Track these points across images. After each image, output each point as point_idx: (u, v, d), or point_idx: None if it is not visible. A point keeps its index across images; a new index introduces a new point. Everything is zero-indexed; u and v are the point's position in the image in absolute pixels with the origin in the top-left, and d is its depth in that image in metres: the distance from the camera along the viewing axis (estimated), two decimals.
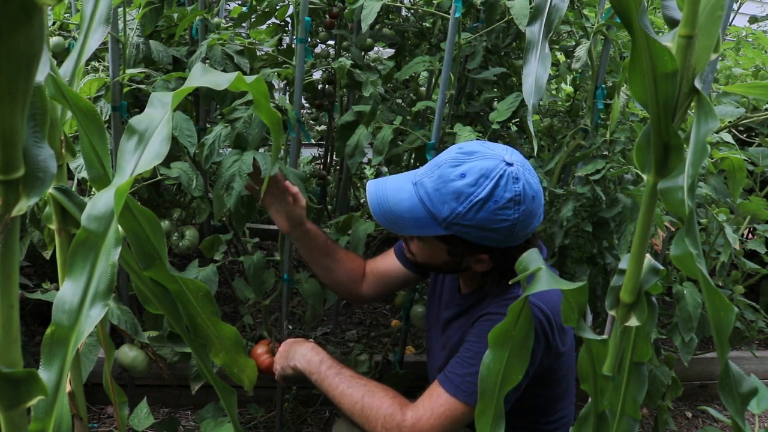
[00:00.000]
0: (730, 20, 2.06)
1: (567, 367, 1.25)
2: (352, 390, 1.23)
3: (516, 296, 1.14)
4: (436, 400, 1.16)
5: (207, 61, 1.57)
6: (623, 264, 0.77)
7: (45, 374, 0.59)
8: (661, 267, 0.76)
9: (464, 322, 1.28)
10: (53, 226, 0.88)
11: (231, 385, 1.05)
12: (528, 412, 1.27)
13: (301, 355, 1.34)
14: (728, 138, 1.64)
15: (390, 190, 1.18)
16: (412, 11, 1.96)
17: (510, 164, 1.12)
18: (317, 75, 1.88)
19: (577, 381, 0.86)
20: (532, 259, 0.76)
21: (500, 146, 1.16)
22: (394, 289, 1.57)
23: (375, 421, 1.19)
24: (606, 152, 1.60)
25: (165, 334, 1.58)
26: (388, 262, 1.50)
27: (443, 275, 1.42)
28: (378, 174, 3.05)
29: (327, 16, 2.07)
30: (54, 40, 1.66)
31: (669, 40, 0.66)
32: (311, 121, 2.99)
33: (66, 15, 1.77)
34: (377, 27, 1.99)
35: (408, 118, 1.80)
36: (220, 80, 0.86)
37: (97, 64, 1.57)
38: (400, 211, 1.15)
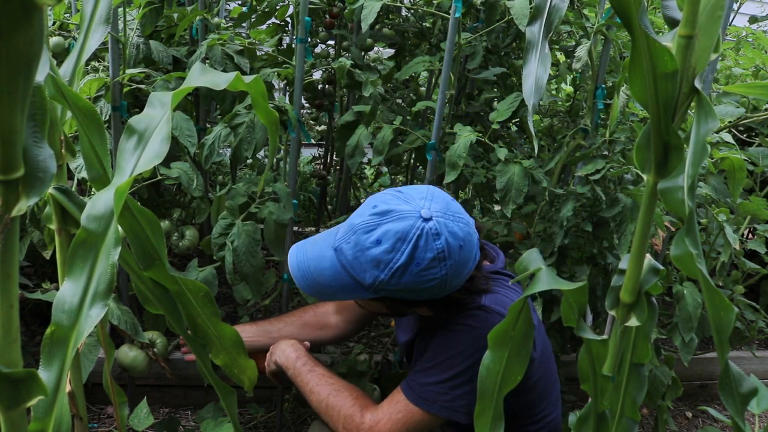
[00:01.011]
0: (730, 20, 2.06)
1: (541, 372, 1.24)
2: (320, 388, 1.26)
3: (478, 306, 1.15)
4: (395, 406, 1.18)
5: (207, 61, 1.57)
6: (623, 264, 0.77)
7: (45, 374, 0.59)
8: (661, 267, 0.76)
9: (425, 336, 1.28)
10: (53, 226, 0.88)
11: (231, 386, 1.05)
12: (506, 419, 1.27)
13: (281, 350, 1.37)
14: (728, 138, 1.64)
15: (312, 259, 1.14)
16: (412, 11, 1.96)
17: (427, 219, 1.05)
18: (317, 75, 1.88)
19: (577, 381, 0.86)
20: (532, 259, 0.76)
21: (418, 194, 1.09)
22: (370, 318, 1.54)
23: (337, 420, 1.22)
24: (606, 152, 1.60)
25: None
26: None
27: None
28: (378, 174, 3.05)
29: (327, 16, 2.07)
30: (54, 40, 1.66)
31: (669, 40, 0.66)
32: (311, 121, 2.99)
33: (66, 15, 1.77)
34: (377, 27, 1.99)
35: (408, 118, 1.80)
36: (219, 80, 0.86)
37: (97, 64, 1.57)
38: (325, 280, 1.12)
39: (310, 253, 1.15)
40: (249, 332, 1.45)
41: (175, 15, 1.76)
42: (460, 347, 1.15)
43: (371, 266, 1.06)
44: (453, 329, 1.16)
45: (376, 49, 2.20)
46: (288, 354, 1.35)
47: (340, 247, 1.10)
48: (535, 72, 0.72)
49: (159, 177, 1.47)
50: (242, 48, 1.62)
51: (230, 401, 0.99)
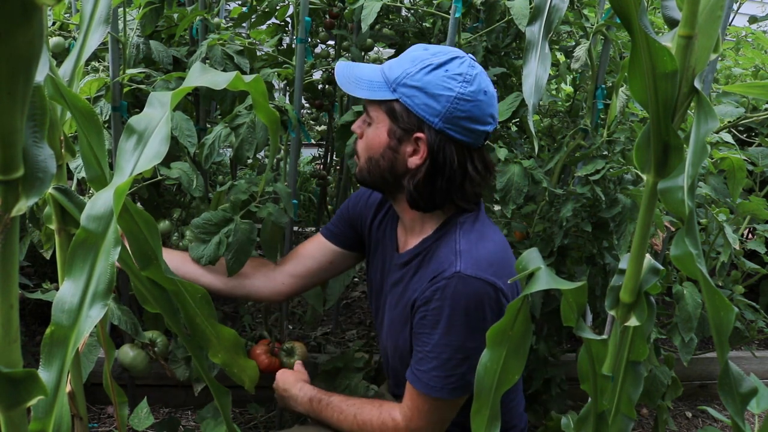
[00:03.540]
0: (730, 20, 2.06)
1: None
2: (344, 416, 1.27)
3: (444, 277, 1.12)
4: (417, 400, 1.18)
5: (207, 61, 1.57)
6: (623, 264, 0.77)
7: (45, 374, 0.59)
8: (661, 267, 0.76)
9: (407, 285, 1.24)
10: (53, 226, 0.88)
11: (231, 385, 1.05)
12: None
13: (293, 400, 1.39)
14: (728, 138, 1.64)
15: (361, 65, 1.23)
16: (412, 11, 1.96)
17: (474, 61, 1.16)
18: (317, 75, 1.88)
19: (577, 381, 0.86)
20: (532, 258, 0.76)
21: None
22: (320, 274, 1.47)
23: (369, 426, 1.24)
24: (606, 152, 1.60)
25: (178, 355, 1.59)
26: (315, 244, 1.45)
27: (378, 245, 1.37)
28: None
29: (327, 16, 2.07)
30: (54, 40, 1.66)
31: (669, 40, 0.66)
32: (311, 121, 2.99)
33: (66, 15, 1.77)
34: (377, 27, 1.99)
35: None
36: (218, 80, 0.86)
37: (97, 64, 1.57)
38: (360, 74, 1.20)
39: (364, 64, 1.25)
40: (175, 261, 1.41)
41: (175, 15, 1.76)
42: (446, 324, 1.12)
43: (408, 61, 1.15)
44: (425, 310, 1.14)
45: (376, 49, 2.20)
46: (299, 399, 1.37)
47: (390, 60, 1.21)
48: (535, 72, 0.72)
49: (159, 177, 1.47)
50: (242, 48, 1.62)
51: (224, 401, 0.99)
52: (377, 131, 1.20)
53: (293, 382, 1.41)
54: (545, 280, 0.72)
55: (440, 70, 1.12)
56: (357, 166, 1.26)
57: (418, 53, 1.16)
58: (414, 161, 1.17)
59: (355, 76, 1.20)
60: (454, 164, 1.15)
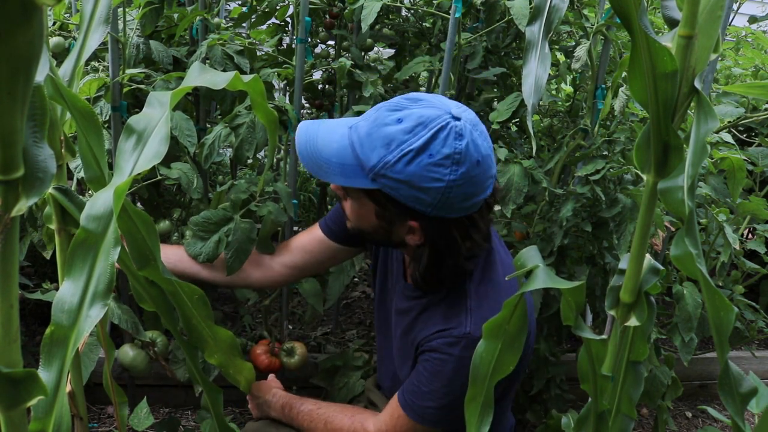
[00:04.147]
0: (730, 20, 2.06)
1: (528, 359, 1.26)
2: (315, 424, 1.27)
3: (453, 336, 1.09)
4: (399, 422, 1.16)
5: (207, 61, 1.57)
6: (623, 264, 0.77)
7: (45, 374, 0.59)
8: (661, 267, 0.76)
9: (415, 320, 1.21)
10: (53, 226, 0.88)
11: (231, 385, 1.05)
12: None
13: (267, 406, 1.38)
14: (728, 138, 1.64)
15: (323, 131, 1.06)
16: (412, 11, 1.96)
17: (457, 118, 0.98)
18: (317, 75, 1.88)
19: (577, 381, 0.86)
20: (530, 256, 0.76)
21: (454, 102, 1.03)
22: (316, 266, 1.44)
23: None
24: (606, 152, 1.60)
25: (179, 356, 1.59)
26: (313, 238, 1.40)
27: (387, 258, 1.34)
28: None
29: (327, 16, 2.07)
30: (54, 40, 1.66)
31: (669, 40, 0.66)
32: None
33: (66, 15, 1.77)
34: (377, 27, 1.99)
35: None
36: (217, 79, 0.86)
37: (97, 64, 1.57)
38: (327, 154, 1.03)
39: (324, 126, 1.07)
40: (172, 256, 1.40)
41: (175, 15, 1.76)
42: (450, 377, 1.10)
43: (382, 144, 0.98)
44: (440, 358, 1.11)
45: (376, 49, 2.19)
46: (272, 405, 1.37)
47: (356, 125, 1.03)
48: (534, 72, 0.72)
49: (159, 177, 1.47)
50: (242, 48, 1.62)
51: (215, 399, 0.99)
52: (362, 210, 1.08)
53: (266, 389, 1.40)
54: (543, 278, 0.72)
55: (423, 156, 0.96)
56: (347, 222, 1.17)
57: (393, 130, 0.98)
58: (412, 240, 1.08)
59: (323, 158, 1.04)
60: (457, 241, 1.05)
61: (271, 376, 1.50)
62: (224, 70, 1.44)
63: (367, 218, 1.09)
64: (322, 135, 1.06)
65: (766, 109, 1.84)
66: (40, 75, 0.47)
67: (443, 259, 1.08)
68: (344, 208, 1.14)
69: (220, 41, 1.58)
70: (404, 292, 1.24)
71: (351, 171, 1.01)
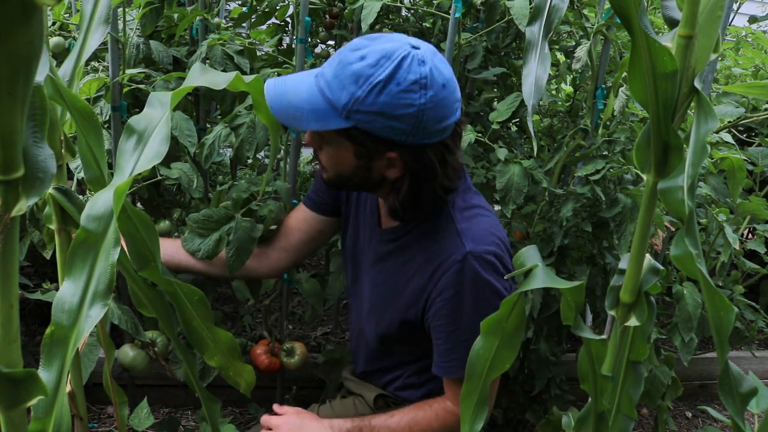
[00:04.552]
0: (730, 20, 2.06)
1: None
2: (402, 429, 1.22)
3: (456, 261, 1.11)
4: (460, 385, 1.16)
5: (207, 61, 1.57)
6: (623, 264, 0.77)
7: (45, 374, 0.59)
8: (661, 267, 0.76)
9: (397, 264, 1.23)
10: (53, 226, 0.88)
11: (230, 385, 1.05)
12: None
13: None
14: (728, 138, 1.64)
15: (290, 84, 1.08)
16: (412, 11, 1.96)
17: (416, 48, 1.02)
18: None
19: (577, 381, 0.86)
20: (530, 256, 0.76)
21: (411, 37, 1.07)
22: (310, 244, 1.45)
23: (430, 428, 1.22)
24: (606, 152, 1.60)
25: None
26: (299, 216, 1.43)
27: (358, 215, 1.34)
28: None
29: (327, 16, 2.07)
30: (54, 40, 1.66)
31: (669, 40, 0.66)
32: None
33: (66, 15, 1.77)
34: (377, 27, 1.99)
35: None
36: (218, 80, 0.87)
37: (97, 64, 1.57)
38: (298, 102, 1.05)
39: (290, 78, 1.10)
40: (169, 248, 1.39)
41: (175, 15, 1.76)
42: (470, 303, 1.12)
43: (350, 82, 1.01)
44: (445, 299, 1.13)
45: None
46: None
47: (321, 72, 1.06)
48: (534, 72, 0.72)
49: (159, 177, 1.47)
50: (242, 48, 1.62)
51: (212, 409, 0.99)
52: (340, 152, 1.10)
53: (318, 426, 1.22)
54: (542, 278, 0.72)
55: (391, 85, 1.00)
56: (324, 175, 1.18)
57: (357, 67, 1.01)
58: (392, 174, 1.11)
59: (293, 106, 1.06)
60: (435, 166, 1.09)
61: (312, 415, 1.28)
62: (224, 70, 1.44)
63: (345, 161, 1.11)
64: (290, 87, 1.08)
65: (766, 109, 1.84)
66: (40, 75, 0.47)
67: (422, 186, 1.10)
68: (321, 160, 1.16)
69: (220, 41, 1.58)
70: (382, 238, 1.26)
71: (324, 114, 1.04)
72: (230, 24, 2.08)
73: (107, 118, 1.49)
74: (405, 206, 1.13)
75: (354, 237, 1.35)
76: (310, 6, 1.52)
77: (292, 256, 1.45)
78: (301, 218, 1.42)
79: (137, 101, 1.60)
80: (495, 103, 1.89)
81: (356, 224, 1.35)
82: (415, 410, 1.24)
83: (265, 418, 1.25)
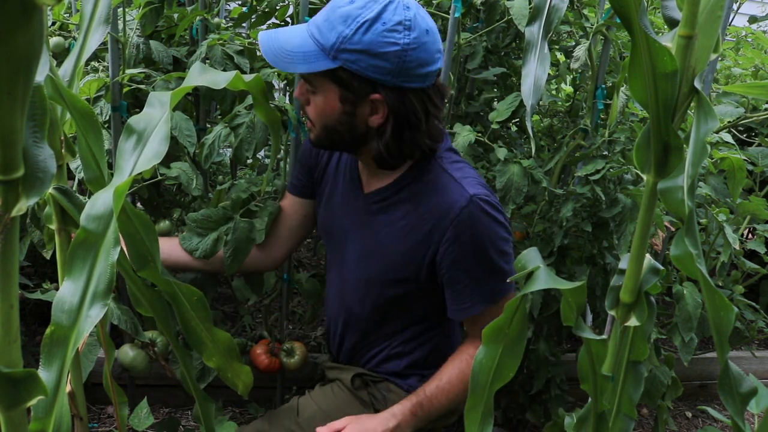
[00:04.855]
0: (730, 20, 2.06)
1: None
2: (454, 390, 1.24)
3: (461, 207, 1.15)
4: (486, 318, 1.14)
5: (207, 61, 1.57)
6: (623, 264, 0.77)
7: (45, 374, 0.59)
8: (661, 267, 0.76)
9: (387, 224, 1.26)
10: (53, 226, 0.88)
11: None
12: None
13: (399, 429, 1.22)
14: (728, 138, 1.64)
15: (283, 32, 1.16)
16: None
17: None
18: None
19: (577, 381, 0.86)
20: (531, 257, 0.76)
21: None
22: (300, 230, 1.48)
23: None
24: (606, 152, 1.60)
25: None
26: (286, 203, 1.45)
27: (333, 186, 1.36)
28: None
29: None
30: (54, 40, 1.66)
31: (669, 40, 0.66)
32: None
33: (66, 15, 1.77)
34: None
35: None
36: (218, 79, 0.87)
37: (97, 64, 1.57)
38: (290, 47, 1.12)
39: (284, 29, 1.18)
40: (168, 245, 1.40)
41: (175, 15, 1.76)
42: (486, 243, 1.17)
43: (339, 22, 1.07)
44: (464, 236, 1.17)
45: None
46: (402, 423, 1.22)
47: (313, 19, 1.14)
48: (534, 72, 0.72)
49: (159, 177, 1.47)
50: (242, 48, 1.62)
51: (207, 409, 0.99)
52: (327, 99, 1.14)
53: (380, 419, 1.22)
54: (544, 279, 0.72)
55: (377, 24, 1.06)
56: (312, 132, 1.22)
57: (347, 9, 1.08)
58: (375, 120, 1.14)
59: (285, 51, 1.12)
60: (418, 112, 1.13)
61: (366, 414, 1.27)
62: (224, 70, 1.44)
63: (331, 108, 1.15)
64: (283, 35, 1.15)
65: (766, 109, 1.84)
66: (40, 75, 0.47)
67: (404, 131, 1.15)
68: (309, 114, 1.20)
69: (220, 41, 1.58)
70: (367, 203, 1.29)
71: (313, 56, 1.10)
72: (230, 24, 2.07)
73: (107, 118, 1.49)
74: (389, 150, 1.16)
75: (330, 210, 1.37)
76: (310, 6, 1.52)
77: (287, 243, 1.47)
78: (287, 205, 1.45)
79: (137, 101, 1.60)
80: (495, 103, 1.89)
81: (332, 198, 1.37)
82: (454, 365, 1.26)
83: None
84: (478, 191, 1.17)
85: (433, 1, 1.70)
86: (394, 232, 1.25)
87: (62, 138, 0.85)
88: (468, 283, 1.20)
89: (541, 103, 2.01)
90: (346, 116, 1.15)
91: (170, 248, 1.39)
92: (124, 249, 0.87)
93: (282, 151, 1.68)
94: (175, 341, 0.96)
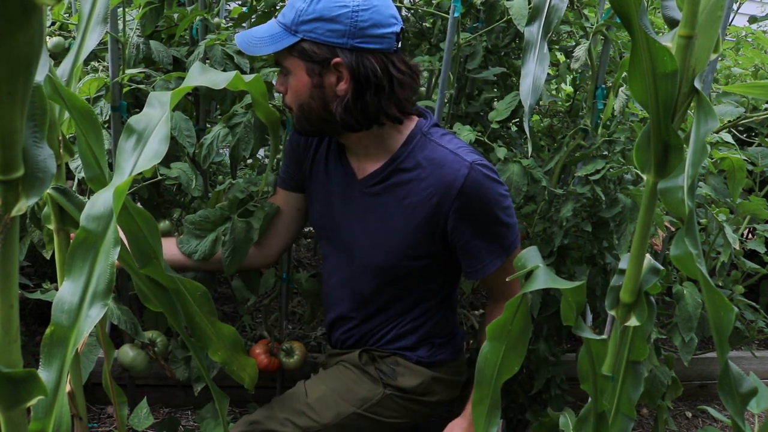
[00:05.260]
0: (730, 20, 2.05)
1: None
2: None
3: (463, 175, 1.21)
4: (508, 271, 1.26)
5: (207, 61, 1.57)
6: (623, 264, 0.77)
7: (45, 374, 0.59)
8: (661, 267, 0.76)
9: (389, 205, 1.30)
10: (52, 226, 0.88)
11: (230, 385, 1.05)
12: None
13: None
14: (728, 138, 1.64)
15: (255, 27, 1.26)
16: (412, 11, 1.96)
17: None
18: None
19: (577, 381, 0.86)
20: (531, 257, 0.76)
21: None
22: (294, 225, 1.50)
23: None
24: (606, 152, 1.60)
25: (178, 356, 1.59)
26: (278, 199, 1.47)
27: (325, 178, 1.39)
28: None
29: None
30: (54, 40, 1.66)
31: (669, 40, 0.66)
32: None
33: (65, 15, 1.77)
34: None
35: None
36: (218, 79, 0.86)
37: (97, 64, 1.57)
38: (259, 34, 1.22)
39: (257, 27, 1.27)
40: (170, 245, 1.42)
41: (175, 15, 1.76)
42: (493, 203, 1.24)
43: (296, 0, 1.17)
44: (472, 202, 1.23)
45: None
46: None
47: (281, 12, 1.23)
48: (533, 72, 0.72)
49: (159, 177, 1.47)
50: None
51: (224, 405, 0.99)
52: (297, 77, 1.21)
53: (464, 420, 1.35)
54: (543, 279, 0.72)
55: None
56: (293, 118, 1.28)
57: None
58: (342, 88, 1.20)
59: (255, 38, 1.22)
60: (378, 73, 1.18)
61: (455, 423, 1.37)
62: (224, 70, 1.44)
63: (302, 84, 1.21)
64: (255, 28, 1.25)
65: (766, 109, 1.84)
66: (40, 75, 0.47)
67: (365, 92, 1.19)
68: (287, 102, 1.26)
69: (220, 41, 1.58)
70: (363, 187, 1.32)
71: (278, 36, 1.19)
72: (230, 24, 2.07)
73: (107, 118, 1.49)
74: (349, 110, 1.20)
75: (328, 201, 1.39)
76: None
77: (283, 238, 1.49)
78: (280, 200, 1.47)
79: (137, 101, 1.60)
80: (495, 102, 1.89)
81: (326, 189, 1.38)
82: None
83: None
84: (474, 158, 1.24)
85: (433, 1, 1.71)
86: (399, 211, 1.28)
87: (60, 138, 0.85)
88: (481, 244, 1.27)
89: (541, 103, 2.01)
90: (315, 89, 1.21)
91: (166, 249, 1.38)
92: (127, 247, 0.87)
93: (282, 152, 1.68)
94: (187, 336, 0.96)
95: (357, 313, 1.40)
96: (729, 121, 1.70)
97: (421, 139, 1.27)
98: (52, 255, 1.11)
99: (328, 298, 1.49)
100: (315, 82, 1.20)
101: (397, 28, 1.21)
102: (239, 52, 1.61)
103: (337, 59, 1.17)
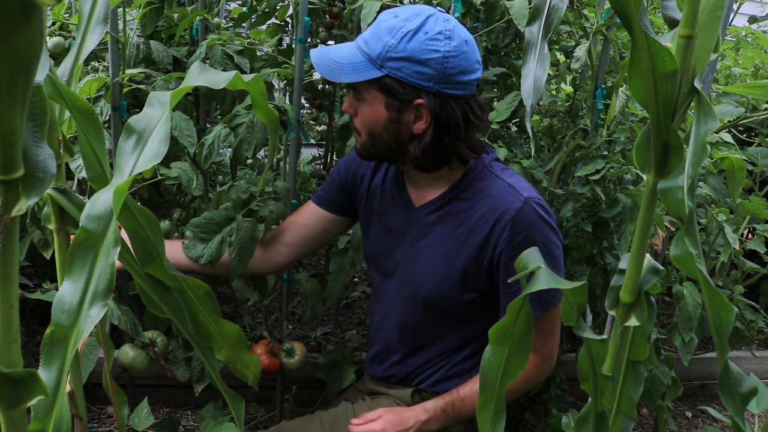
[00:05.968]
0: (730, 20, 2.06)
1: None
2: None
3: (516, 209, 1.19)
4: (538, 326, 1.20)
5: (207, 61, 1.57)
6: (623, 264, 0.77)
7: (45, 374, 0.58)
8: (661, 267, 0.76)
9: (443, 234, 1.28)
10: (51, 226, 0.88)
11: (230, 385, 1.04)
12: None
13: (427, 424, 1.28)
14: (728, 138, 1.64)
15: (333, 48, 1.23)
16: None
17: (442, 11, 1.19)
18: (317, 75, 1.88)
19: (577, 381, 0.86)
20: (532, 257, 0.76)
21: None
22: (313, 242, 1.48)
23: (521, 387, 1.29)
24: (606, 152, 1.60)
25: (179, 356, 1.58)
26: (307, 212, 1.46)
27: (381, 207, 1.37)
28: None
29: (327, 16, 2.07)
30: (54, 40, 1.66)
31: (669, 40, 0.66)
32: (311, 121, 2.99)
33: (66, 15, 1.77)
34: None
35: None
36: (218, 79, 0.86)
37: (97, 64, 1.57)
38: (339, 58, 1.19)
39: (334, 45, 1.25)
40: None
41: (175, 15, 1.76)
42: (539, 243, 1.18)
43: (385, 33, 1.15)
44: (519, 236, 1.19)
45: None
46: (432, 419, 1.28)
47: (361, 35, 1.21)
48: (533, 72, 0.72)
49: (159, 177, 1.47)
50: (242, 48, 1.62)
51: (238, 408, 0.99)
52: (374, 108, 1.20)
53: (414, 412, 1.29)
54: (545, 279, 0.72)
55: (420, 34, 1.13)
56: (359, 142, 1.27)
57: (391, 22, 1.16)
58: (419, 127, 1.19)
59: (334, 62, 1.19)
60: (459, 120, 1.18)
61: (398, 407, 1.34)
62: (224, 70, 1.44)
63: (378, 115, 1.20)
64: (333, 49, 1.23)
65: (766, 109, 1.84)
66: (40, 75, 0.47)
67: (444, 136, 1.20)
68: (356, 125, 1.25)
69: (220, 41, 1.58)
70: (420, 215, 1.31)
71: (361, 66, 1.17)
72: (230, 24, 2.07)
73: (107, 118, 1.49)
74: (426, 153, 1.20)
75: (384, 229, 1.38)
76: (310, 6, 1.52)
77: (295, 252, 1.46)
78: (309, 215, 1.45)
79: (137, 101, 1.60)
80: (495, 103, 1.89)
81: (382, 218, 1.37)
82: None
83: (359, 429, 1.27)
84: (531, 195, 1.22)
85: (433, 1, 1.71)
86: (451, 240, 1.26)
87: (60, 138, 0.85)
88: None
89: (541, 103, 2.01)
90: (391, 123, 1.20)
91: (171, 252, 1.38)
92: (129, 247, 0.86)
93: (282, 152, 1.68)
94: (194, 338, 0.95)
95: (402, 346, 1.38)
96: (729, 121, 1.70)
97: (482, 171, 1.26)
98: (52, 255, 1.11)
99: (374, 329, 1.47)
100: (392, 117, 1.19)
101: (480, 74, 1.21)
102: (239, 52, 1.61)
103: (420, 101, 1.16)
